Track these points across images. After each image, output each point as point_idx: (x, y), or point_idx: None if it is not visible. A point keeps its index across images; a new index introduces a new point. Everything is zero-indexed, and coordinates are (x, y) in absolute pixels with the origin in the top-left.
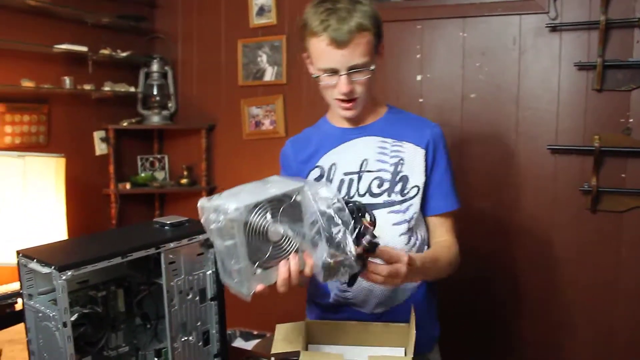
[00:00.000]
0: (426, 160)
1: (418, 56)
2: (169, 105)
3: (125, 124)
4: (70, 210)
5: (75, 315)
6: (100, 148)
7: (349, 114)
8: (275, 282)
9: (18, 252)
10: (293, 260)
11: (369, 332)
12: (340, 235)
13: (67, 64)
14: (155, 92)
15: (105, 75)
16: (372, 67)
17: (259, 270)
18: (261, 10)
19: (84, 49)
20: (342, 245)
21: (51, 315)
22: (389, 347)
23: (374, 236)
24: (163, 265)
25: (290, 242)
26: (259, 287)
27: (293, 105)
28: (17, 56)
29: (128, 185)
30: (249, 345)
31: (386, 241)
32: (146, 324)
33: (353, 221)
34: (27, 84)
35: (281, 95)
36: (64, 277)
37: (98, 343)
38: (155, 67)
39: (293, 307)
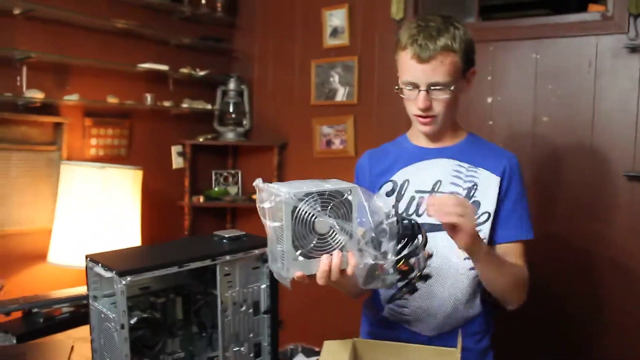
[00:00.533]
0: (500, 188)
1: (489, 78)
2: (244, 122)
3: (201, 140)
4: (145, 220)
5: (135, 319)
6: (177, 162)
7: (425, 129)
8: (316, 274)
9: (87, 257)
10: (336, 255)
11: (419, 355)
12: (386, 243)
13: (149, 81)
14: (231, 110)
15: (184, 92)
16: (452, 88)
17: (300, 257)
18: (335, 32)
19: (165, 67)
20: (387, 254)
21: (111, 316)
22: None
23: (425, 258)
24: (218, 277)
25: (336, 238)
26: (298, 273)
27: (363, 126)
28: (103, 74)
29: (201, 199)
30: None
31: (451, 264)
32: (202, 333)
33: (405, 238)
34: (112, 100)
35: (352, 115)
36: (123, 282)
37: (155, 347)
38: (232, 85)
39: (355, 325)
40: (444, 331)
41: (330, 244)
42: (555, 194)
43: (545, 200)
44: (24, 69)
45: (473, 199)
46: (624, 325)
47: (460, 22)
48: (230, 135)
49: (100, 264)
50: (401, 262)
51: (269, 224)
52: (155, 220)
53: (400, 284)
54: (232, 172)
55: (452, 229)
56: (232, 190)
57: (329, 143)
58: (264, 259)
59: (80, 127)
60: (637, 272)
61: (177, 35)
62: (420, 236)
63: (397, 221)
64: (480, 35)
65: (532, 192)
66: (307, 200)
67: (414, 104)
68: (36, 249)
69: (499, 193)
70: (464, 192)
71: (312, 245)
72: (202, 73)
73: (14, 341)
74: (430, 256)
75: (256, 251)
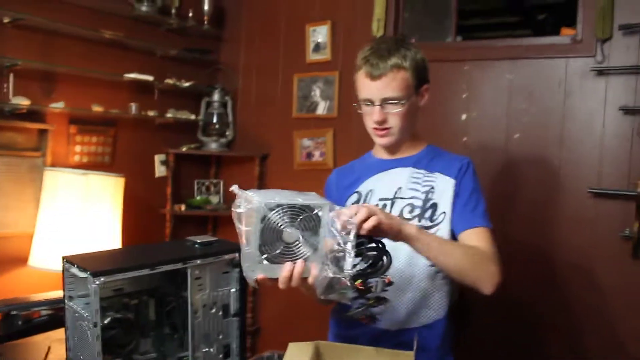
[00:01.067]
0: (454, 188)
1: (464, 95)
2: (227, 133)
3: (184, 149)
4: (127, 226)
5: (108, 319)
6: (160, 170)
7: (382, 141)
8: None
9: (63, 258)
10: (299, 264)
11: (376, 357)
12: (348, 260)
13: (134, 91)
14: (215, 120)
15: (169, 102)
16: (404, 102)
17: (265, 262)
18: (317, 47)
19: (150, 78)
20: (346, 271)
21: (85, 315)
22: None
23: (385, 283)
24: (189, 280)
25: (301, 249)
26: (261, 276)
27: (342, 139)
28: (89, 83)
29: (183, 207)
30: None
31: (414, 262)
32: (174, 334)
33: (370, 259)
34: (97, 108)
35: (332, 128)
36: (97, 282)
37: (127, 346)
38: (216, 96)
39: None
40: (409, 326)
41: (295, 253)
42: (522, 206)
43: (511, 211)
44: (11, 76)
45: (431, 201)
46: (577, 329)
47: (411, 44)
48: (213, 146)
49: (75, 265)
50: (359, 281)
51: (242, 228)
52: (137, 227)
53: (358, 303)
54: (214, 181)
55: (375, 232)
56: (214, 199)
57: (309, 155)
58: (234, 263)
59: (65, 134)
60: (599, 287)
61: (163, 46)
62: (385, 259)
63: (364, 241)
64: (456, 55)
65: (500, 204)
66: (277, 211)
67: (370, 118)
68: (18, 252)
69: (454, 193)
70: (423, 196)
71: (278, 252)
72: (186, 84)
73: None
74: (390, 283)
75: (226, 256)
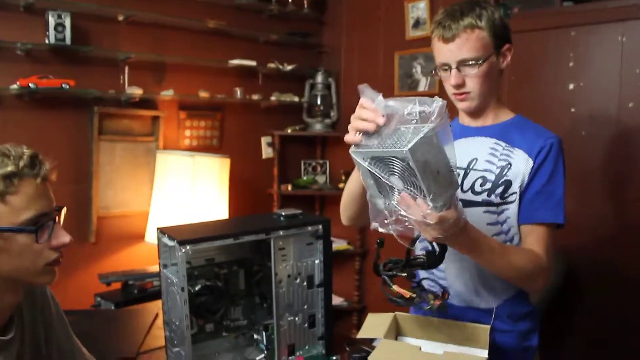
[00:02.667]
0: (532, 169)
1: (571, 64)
2: (332, 114)
3: (289, 131)
4: (235, 206)
5: (199, 286)
6: (267, 152)
7: (462, 105)
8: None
9: (158, 229)
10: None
11: (455, 330)
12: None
13: (239, 76)
14: (319, 102)
15: (273, 86)
16: (481, 62)
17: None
18: (417, 23)
19: (253, 63)
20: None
21: (175, 281)
22: (473, 347)
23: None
24: (272, 250)
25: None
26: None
27: None
28: (196, 71)
29: (289, 187)
30: None
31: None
32: (263, 303)
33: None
34: (204, 94)
35: None
36: (183, 250)
37: (217, 313)
38: (319, 78)
39: None
40: (478, 306)
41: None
42: (637, 184)
43: (625, 190)
44: (126, 68)
45: (505, 177)
46: None
47: (488, 3)
48: (318, 127)
49: (166, 235)
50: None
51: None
52: (245, 206)
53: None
54: (321, 162)
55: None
56: (320, 179)
57: None
58: (317, 235)
59: (175, 120)
60: None
61: (265, 32)
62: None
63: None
64: (560, 21)
65: (614, 182)
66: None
67: (448, 82)
68: (137, 229)
69: (530, 174)
70: (497, 170)
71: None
72: (289, 67)
73: (112, 307)
74: (444, 302)
75: (310, 228)
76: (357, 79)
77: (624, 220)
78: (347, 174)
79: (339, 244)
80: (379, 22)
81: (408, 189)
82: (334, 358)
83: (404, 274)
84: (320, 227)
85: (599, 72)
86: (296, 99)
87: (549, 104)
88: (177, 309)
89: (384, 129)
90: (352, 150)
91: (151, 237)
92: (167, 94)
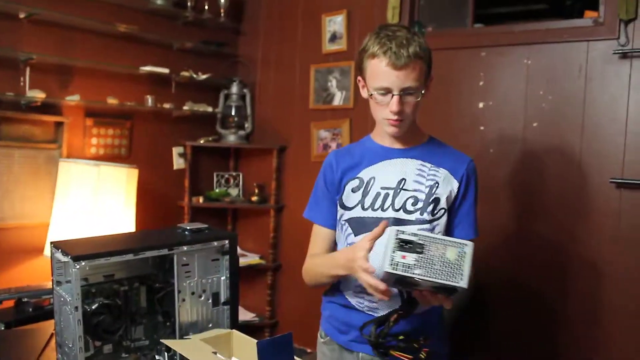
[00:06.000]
0: (458, 190)
1: (481, 83)
2: (246, 125)
3: (202, 141)
4: (143, 219)
5: (96, 305)
6: (178, 163)
7: (394, 131)
8: None
9: (51, 243)
10: None
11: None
12: None
13: (151, 84)
14: (233, 113)
15: (187, 95)
16: (422, 91)
17: None
18: (333, 37)
19: (166, 70)
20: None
21: (68, 299)
22: None
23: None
24: (175, 266)
25: None
26: None
27: (359, 129)
28: (105, 76)
29: (201, 199)
30: None
31: None
32: (166, 322)
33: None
34: (112, 101)
35: (348, 119)
36: (77, 267)
37: (116, 333)
38: (234, 89)
39: None
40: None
41: None
42: (541, 198)
43: (531, 204)
44: (27, 70)
45: (434, 195)
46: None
47: (416, 32)
48: (232, 138)
49: (60, 250)
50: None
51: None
52: (154, 219)
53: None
54: (234, 174)
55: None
56: (233, 192)
57: (325, 147)
58: (223, 251)
59: (81, 127)
60: (623, 286)
61: (180, 39)
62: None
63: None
64: (472, 41)
65: (518, 196)
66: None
67: (385, 108)
68: (35, 242)
69: (457, 195)
70: (427, 190)
71: None
72: (203, 76)
73: (2, 327)
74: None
75: (215, 243)
76: (273, 90)
77: (527, 229)
78: (260, 187)
79: (250, 259)
80: (296, 34)
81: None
82: None
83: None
84: (227, 242)
85: (506, 92)
86: (210, 109)
87: (460, 122)
88: (70, 329)
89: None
90: (392, 271)
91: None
92: (73, 99)
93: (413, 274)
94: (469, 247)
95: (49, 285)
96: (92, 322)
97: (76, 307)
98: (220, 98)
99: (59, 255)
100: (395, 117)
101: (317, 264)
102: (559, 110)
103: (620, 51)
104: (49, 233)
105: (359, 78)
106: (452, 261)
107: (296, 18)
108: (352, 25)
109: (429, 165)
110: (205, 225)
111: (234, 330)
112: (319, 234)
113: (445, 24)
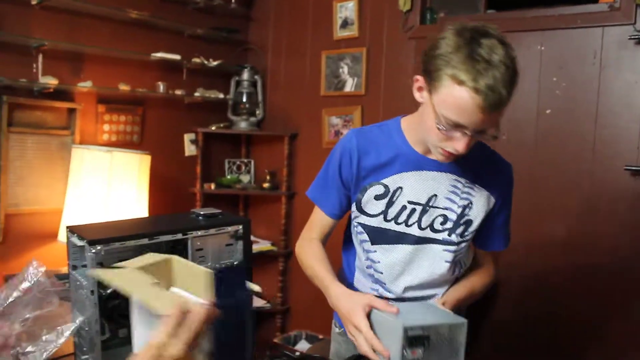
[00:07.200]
0: (494, 205)
1: None
2: (257, 112)
3: (213, 128)
4: (155, 205)
5: (112, 289)
6: (190, 149)
7: (445, 161)
8: None
9: (67, 227)
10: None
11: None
12: None
13: (162, 70)
14: (244, 100)
15: (198, 82)
16: (496, 135)
17: None
18: (345, 23)
19: (177, 57)
20: None
21: (84, 284)
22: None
23: None
24: (189, 251)
25: None
26: None
27: (370, 116)
28: (117, 63)
29: (213, 186)
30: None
31: (433, 271)
32: None
33: None
34: (124, 87)
35: (359, 106)
36: (93, 250)
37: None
38: (245, 75)
39: None
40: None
41: None
42: (555, 186)
43: (544, 191)
44: (40, 57)
45: (466, 217)
46: (614, 317)
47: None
48: (243, 125)
49: (75, 234)
50: None
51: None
52: (166, 205)
53: None
54: (245, 160)
55: None
56: (245, 178)
57: (337, 133)
58: (237, 236)
59: (93, 113)
60: (632, 268)
61: (190, 25)
62: None
63: None
64: None
65: (531, 186)
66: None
67: (446, 140)
68: (49, 228)
69: (492, 209)
70: (459, 210)
71: None
72: (214, 63)
73: None
74: None
75: (229, 228)
76: (284, 76)
77: (540, 220)
78: (272, 174)
79: (262, 245)
80: (307, 20)
81: None
82: None
83: None
84: (241, 227)
85: (520, 79)
86: (221, 95)
87: None
88: (86, 314)
89: None
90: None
91: (64, 236)
92: (85, 85)
93: None
94: (464, 325)
95: (65, 270)
96: (107, 306)
97: (92, 291)
98: (231, 85)
99: (74, 239)
100: (456, 154)
101: (314, 269)
102: (573, 97)
103: (636, 36)
104: (63, 219)
105: (417, 77)
106: (451, 340)
107: (307, 4)
108: (364, 11)
109: (463, 181)
110: (219, 211)
111: (174, 255)
112: (320, 220)
113: (458, 10)
